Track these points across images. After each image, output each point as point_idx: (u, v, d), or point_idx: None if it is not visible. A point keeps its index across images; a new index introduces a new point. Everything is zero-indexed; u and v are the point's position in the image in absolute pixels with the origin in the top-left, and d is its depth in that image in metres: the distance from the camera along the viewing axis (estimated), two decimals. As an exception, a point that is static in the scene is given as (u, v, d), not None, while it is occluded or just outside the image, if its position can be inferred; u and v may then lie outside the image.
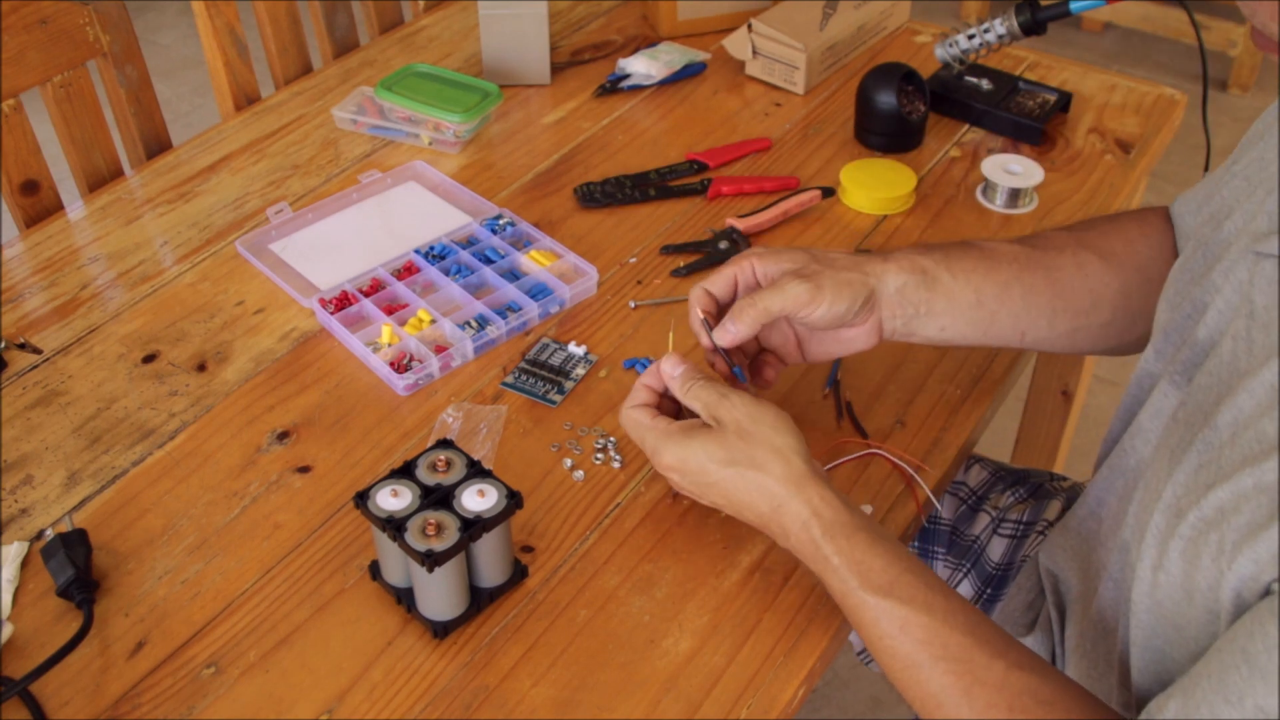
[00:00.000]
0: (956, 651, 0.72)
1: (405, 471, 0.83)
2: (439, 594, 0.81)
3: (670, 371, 0.85)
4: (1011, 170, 1.22)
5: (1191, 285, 0.78)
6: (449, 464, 0.83)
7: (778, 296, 0.85)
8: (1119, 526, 0.80)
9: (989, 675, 0.71)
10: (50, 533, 0.89)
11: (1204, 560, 0.63)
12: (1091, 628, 0.83)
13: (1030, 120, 1.31)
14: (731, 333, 0.85)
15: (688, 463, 0.81)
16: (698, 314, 0.88)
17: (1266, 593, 0.59)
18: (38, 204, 1.24)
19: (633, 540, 0.89)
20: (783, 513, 0.78)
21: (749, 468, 0.79)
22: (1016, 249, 0.91)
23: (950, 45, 1.30)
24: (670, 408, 0.87)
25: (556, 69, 1.45)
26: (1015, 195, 1.21)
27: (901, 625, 0.74)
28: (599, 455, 0.95)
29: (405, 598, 0.83)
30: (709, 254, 1.16)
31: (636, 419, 0.84)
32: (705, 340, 0.88)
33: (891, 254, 0.89)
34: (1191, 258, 0.79)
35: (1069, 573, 0.92)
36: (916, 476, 0.93)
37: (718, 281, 0.89)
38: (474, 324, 1.06)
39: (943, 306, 0.89)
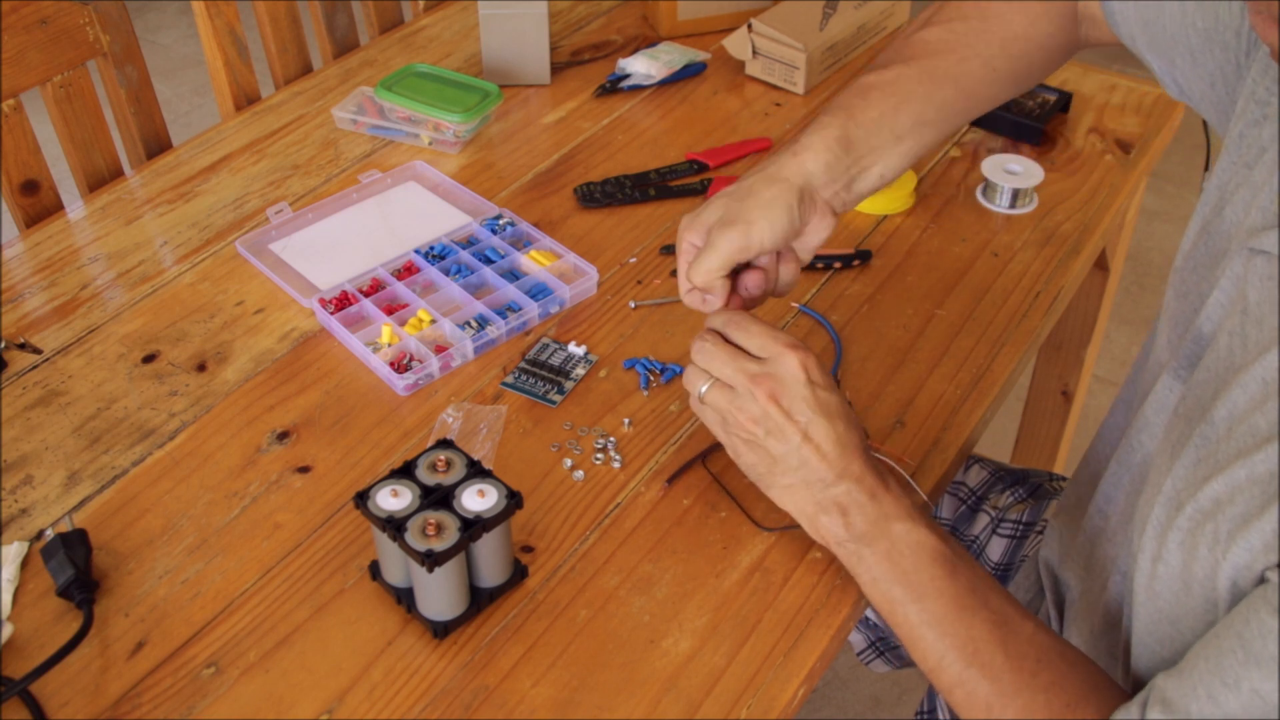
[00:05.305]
0: (996, 604, 0.76)
1: (405, 471, 0.83)
2: (439, 594, 0.81)
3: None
4: (1011, 170, 1.22)
5: (1194, 275, 0.78)
6: (449, 464, 0.83)
7: (714, 255, 0.84)
8: (1129, 521, 0.81)
9: (1022, 629, 0.75)
10: (50, 533, 0.89)
11: (1201, 551, 0.64)
12: (1100, 621, 0.84)
13: (1030, 120, 1.30)
14: (712, 303, 0.86)
15: (791, 370, 0.80)
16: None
17: (1261, 580, 0.60)
18: (38, 204, 1.25)
19: (632, 540, 0.89)
20: (866, 451, 0.81)
21: (847, 405, 0.82)
22: (917, 70, 0.91)
23: (950, 45, 1.30)
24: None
25: (556, 69, 1.45)
26: (1015, 195, 1.21)
27: (952, 570, 0.77)
28: (599, 455, 0.96)
29: (405, 598, 0.83)
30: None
31: (752, 319, 0.83)
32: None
33: (799, 143, 0.87)
34: (1196, 244, 0.79)
35: (1070, 571, 0.92)
36: (912, 481, 0.93)
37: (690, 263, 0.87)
38: (474, 324, 1.07)
39: (871, 159, 0.89)
